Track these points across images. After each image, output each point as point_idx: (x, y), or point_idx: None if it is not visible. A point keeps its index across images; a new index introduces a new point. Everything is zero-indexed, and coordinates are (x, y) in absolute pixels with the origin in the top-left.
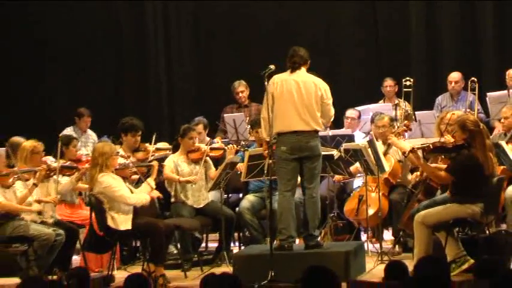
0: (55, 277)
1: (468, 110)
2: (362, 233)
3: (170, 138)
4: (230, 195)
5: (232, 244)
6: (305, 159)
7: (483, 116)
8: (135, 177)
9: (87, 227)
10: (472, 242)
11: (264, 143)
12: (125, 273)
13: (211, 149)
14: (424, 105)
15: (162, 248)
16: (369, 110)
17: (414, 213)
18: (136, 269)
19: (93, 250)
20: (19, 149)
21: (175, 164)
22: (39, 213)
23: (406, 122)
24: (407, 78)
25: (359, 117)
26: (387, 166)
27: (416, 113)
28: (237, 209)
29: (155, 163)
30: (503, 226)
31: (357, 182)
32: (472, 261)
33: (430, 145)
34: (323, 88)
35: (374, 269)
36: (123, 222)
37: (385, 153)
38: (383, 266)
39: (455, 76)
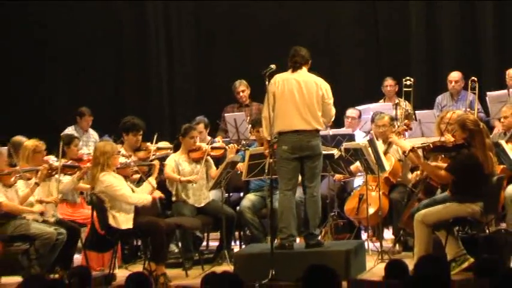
0: (57, 276)
1: (468, 109)
2: (362, 232)
3: (171, 137)
4: (231, 194)
5: (233, 243)
6: (306, 159)
7: (483, 116)
8: (136, 176)
9: (88, 226)
10: (472, 241)
11: (265, 142)
12: (126, 272)
13: (212, 148)
14: (424, 104)
15: (163, 246)
16: (369, 109)
17: (414, 212)
18: (138, 267)
19: (94, 249)
20: (21, 148)
21: (177, 163)
22: (41, 214)
23: (406, 121)
24: (408, 77)
25: (359, 116)
26: (387, 165)
27: (416, 112)
28: (237, 208)
29: (156, 162)
30: (503, 225)
31: (358, 181)
32: (472, 260)
33: (430, 144)
34: (324, 88)
35: (374, 268)
36: (124, 221)
37: (386, 153)
38: (383, 265)
39: (455, 75)
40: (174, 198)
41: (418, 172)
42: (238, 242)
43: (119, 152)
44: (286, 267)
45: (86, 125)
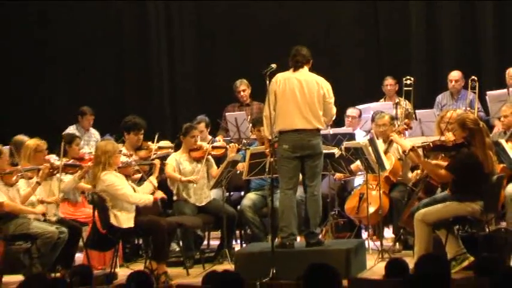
0: (58, 274)
1: (468, 108)
2: (363, 230)
3: (172, 136)
4: (232, 193)
5: (234, 242)
6: (307, 158)
7: (483, 115)
8: (138, 175)
9: (90, 224)
10: (472, 240)
11: (265, 141)
12: (128, 271)
13: (213, 147)
14: (424, 103)
15: (164, 245)
16: (369, 108)
17: (414, 211)
18: (139, 266)
19: (96, 248)
20: (22, 148)
21: (178, 162)
22: (43, 214)
23: (406, 120)
24: (408, 77)
25: (360, 115)
26: (388, 164)
27: (416, 111)
28: (238, 207)
29: (157, 161)
30: (503, 224)
31: (358, 180)
32: (472, 258)
33: (430, 143)
34: (325, 87)
35: (375, 267)
36: (125, 220)
37: (386, 152)
38: (384, 264)
39: (455, 75)
40: (175, 197)
41: (419, 171)
42: (239, 241)
43: (120, 151)
44: (286, 266)
45: (87, 124)
